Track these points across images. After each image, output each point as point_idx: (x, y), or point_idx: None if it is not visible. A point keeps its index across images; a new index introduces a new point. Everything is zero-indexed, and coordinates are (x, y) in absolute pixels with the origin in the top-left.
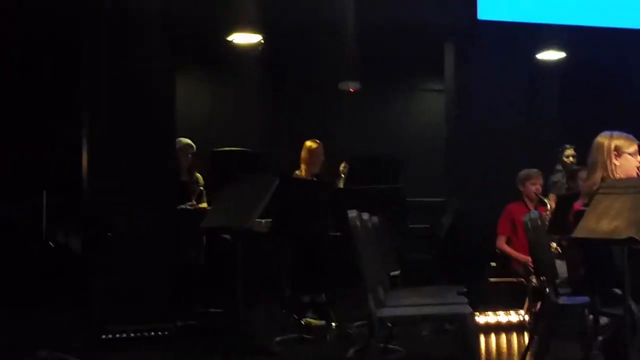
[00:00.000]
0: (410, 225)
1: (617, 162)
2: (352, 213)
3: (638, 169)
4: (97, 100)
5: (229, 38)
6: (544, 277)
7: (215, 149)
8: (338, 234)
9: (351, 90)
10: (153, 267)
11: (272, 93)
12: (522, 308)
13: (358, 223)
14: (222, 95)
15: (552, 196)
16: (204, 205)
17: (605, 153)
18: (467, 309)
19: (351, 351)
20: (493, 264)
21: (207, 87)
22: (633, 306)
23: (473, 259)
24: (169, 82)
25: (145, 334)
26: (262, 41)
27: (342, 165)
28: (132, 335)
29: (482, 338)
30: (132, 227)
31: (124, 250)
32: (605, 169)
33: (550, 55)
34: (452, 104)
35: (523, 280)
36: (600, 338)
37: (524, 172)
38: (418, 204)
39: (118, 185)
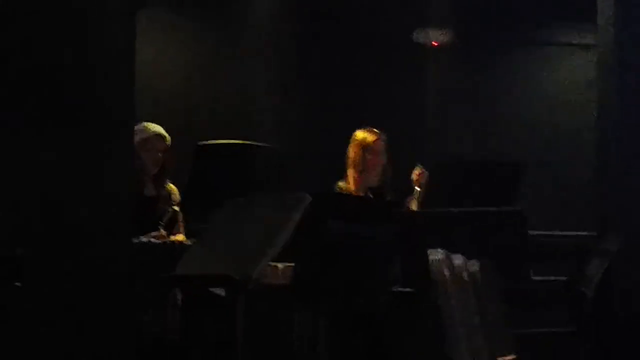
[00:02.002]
0: (534, 277)
1: None
2: (436, 254)
3: None
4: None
5: None
6: None
7: (202, 142)
8: (408, 289)
9: (434, 44)
10: (89, 345)
11: (297, 51)
12: None
13: (446, 272)
14: (215, 55)
15: None
16: (180, 237)
17: None
18: None
19: None
20: None
21: (190, 41)
22: None
23: None
24: (126, 30)
25: None
26: None
27: (417, 171)
28: None
29: None
30: (53, 274)
31: (38, 313)
32: None
33: None
34: (607, 67)
35: None
36: None
37: None
38: (545, 240)
39: (32, 204)
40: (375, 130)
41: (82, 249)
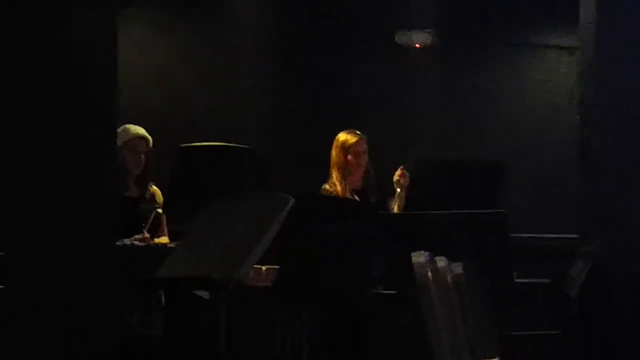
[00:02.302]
0: (518, 280)
1: None
2: (420, 257)
3: None
4: None
5: None
6: None
7: (186, 144)
8: (392, 292)
9: (417, 45)
10: (73, 346)
11: (280, 52)
12: None
13: (429, 274)
14: (198, 56)
15: None
16: (164, 239)
17: None
18: None
19: None
20: None
21: (173, 42)
22: None
23: (627, 336)
24: (108, 30)
25: None
26: None
27: (398, 173)
28: None
29: None
30: (35, 276)
31: (21, 315)
32: None
33: None
34: (589, 70)
35: None
36: None
37: None
38: (529, 242)
39: (13, 206)
40: (357, 132)
41: (65, 251)
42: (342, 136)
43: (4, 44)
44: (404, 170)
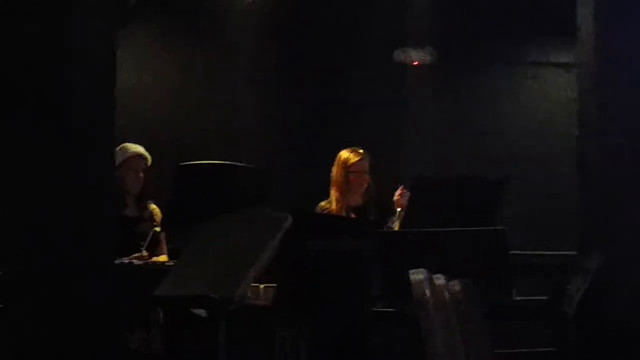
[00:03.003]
0: (516, 297)
1: None
2: (418, 275)
3: None
4: None
5: None
6: None
7: (184, 163)
8: (389, 309)
9: (415, 63)
10: None
11: (278, 70)
12: None
13: (428, 292)
14: (196, 74)
15: None
16: (163, 258)
17: None
18: None
19: None
20: None
21: (171, 60)
22: None
23: (626, 353)
24: (107, 49)
25: None
26: None
27: (398, 192)
28: None
29: None
30: (35, 295)
31: (21, 334)
32: None
33: None
34: (588, 86)
35: None
36: None
37: None
38: (527, 260)
39: (13, 225)
40: (359, 150)
41: (64, 270)
42: (344, 154)
43: (6, 67)
44: (405, 190)
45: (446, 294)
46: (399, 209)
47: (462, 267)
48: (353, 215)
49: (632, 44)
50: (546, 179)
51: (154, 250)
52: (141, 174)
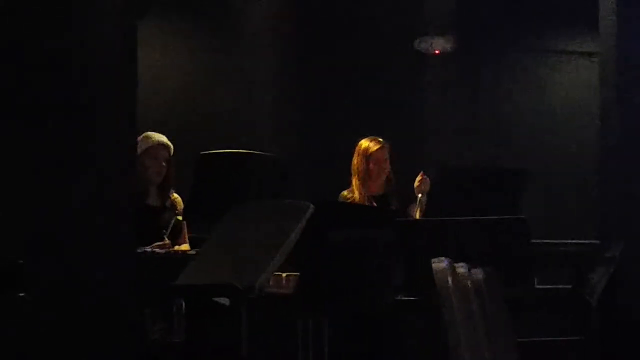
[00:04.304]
0: (539, 286)
1: None
2: (440, 263)
3: None
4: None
5: None
6: None
7: (206, 151)
8: (411, 298)
9: (436, 52)
10: (94, 355)
11: (296, 59)
12: None
13: (450, 280)
14: (214, 63)
15: None
16: (185, 247)
17: None
18: None
19: None
20: None
21: (189, 50)
22: None
23: None
24: (128, 40)
25: None
26: None
27: (418, 178)
28: None
29: None
30: (55, 284)
31: (42, 324)
32: None
33: None
34: (610, 76)
35: None
36: None
37: None
38: (550, 249)
39: (35, 213)
40: (379, 139)
41: (86, 259)
42: (365, 143)
43: (24, 58)
44: (424, 176)
45: (468, 282)
46: (419, 195)
47: (484, 256)
48: (375, 204)
49: None
50: (568, 168)
51: (175, 239)
52: (164, 163)
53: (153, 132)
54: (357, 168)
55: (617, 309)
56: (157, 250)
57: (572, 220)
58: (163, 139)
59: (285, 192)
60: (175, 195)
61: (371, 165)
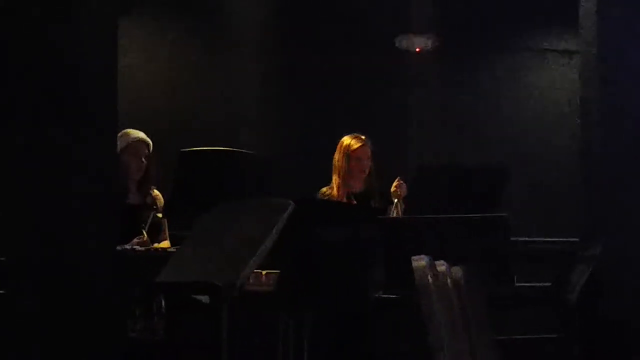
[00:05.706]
0: (518, 284)
1: None
2: (420, 261)
3: None
4: None
5: None
6: None
7: (186, 149)
8: (391, 295)
9: (417, 50)
10: (74, 352)
11: (281, 57)
12: None
13: (430, 278)
14: (198, 61)
15: None
16: (165, 244)
17: None
18: None
19: None
20: None
21: (174, 48)
22: None
23: (627, 339)
24: (108, 35)
25: None
26: None
27: (395, 183)
28: None
29: None
30: (36, 282)
31: (22, 321)
32: None
33: None
34: (590, 74)
35: None
36: None
37: None
38: (529, 246)
39: (15, 211)
40: (361, 136)
41: (66, 257)
42: (347, 140)
43: (6, 53)
44: (401, 181)
45: (448, 280)
46: (395, 200)
47: (464, 254)
48: (354, 202)
49: (634, 30)
50: (548, 165)
51: (156, 237)
52: (143, 160)
53: (132, 129)
54: (338, 165)
55: (597, 307)
56: (137, 247)
57: (553, 217)
58: (142, 135)
59: (266, 190)
60: (157, 192)
61: (352, 162)
